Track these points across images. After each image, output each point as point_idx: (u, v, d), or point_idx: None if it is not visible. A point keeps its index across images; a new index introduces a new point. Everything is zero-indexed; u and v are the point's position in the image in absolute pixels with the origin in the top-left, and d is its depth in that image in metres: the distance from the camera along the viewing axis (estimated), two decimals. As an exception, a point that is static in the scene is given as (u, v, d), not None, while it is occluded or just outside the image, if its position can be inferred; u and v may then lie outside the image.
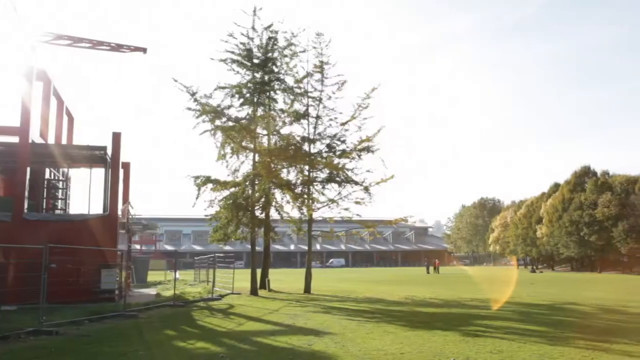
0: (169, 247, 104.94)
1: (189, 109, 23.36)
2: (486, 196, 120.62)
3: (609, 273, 59.60)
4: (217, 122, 24.21)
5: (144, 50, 32.41)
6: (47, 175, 25.32)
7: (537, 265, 79.67)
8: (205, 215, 25.14)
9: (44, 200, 24.95)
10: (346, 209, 26.09)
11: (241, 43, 24.75)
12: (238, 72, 24.93)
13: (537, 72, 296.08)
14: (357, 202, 26.15)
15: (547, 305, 18.52)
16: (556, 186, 74.30)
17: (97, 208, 23.98)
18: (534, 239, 73.84)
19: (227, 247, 32.21)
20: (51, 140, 25.64)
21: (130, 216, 26.54)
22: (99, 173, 24.10)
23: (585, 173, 69.01)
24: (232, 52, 24.64)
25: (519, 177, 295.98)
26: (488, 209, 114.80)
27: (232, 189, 23.95)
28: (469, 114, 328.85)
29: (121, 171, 22.98)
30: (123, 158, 22.56)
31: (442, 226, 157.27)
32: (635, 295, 22.87)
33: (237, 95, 24.54)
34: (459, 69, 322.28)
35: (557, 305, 18.28)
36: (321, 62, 26.21)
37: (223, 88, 24.24)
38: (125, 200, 25.78)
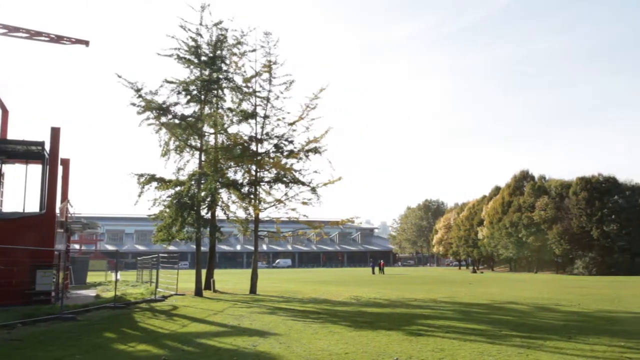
0: (110, 247, 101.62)
1: (133, 105, 22.74)
2: (430, 198, 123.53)
3: (544, 273, 62.30)
4: (163, 119, 23.69)
5: (86, 43, 31.30)
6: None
7: (478, 266, 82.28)
8: (149, 215, 24.52)
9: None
10: (293, 210, 26.08)
11: (190, 38, 24.33)
12: (188, 67, 24.49)
13: (480, 77, 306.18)
14: (304, 203, 26.17)
15: (487, 304, 19.13)
16: (497, 189, 76.94)
17: (33, 206, 22.96)
18: (475, 241, 76.18)
19: (172, 247, 31.55)
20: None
21: (69, 215, 25.54)
22: (36, 169, 23.05)
23: (524, 177, 71.88)
24: (180, 49, 24.18)
25: (463, 180, 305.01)
26: (432, 210, 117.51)
27: (177, 188, 23.47)
28: (415, 117, 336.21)
29: (60, 168, 22.06)
30: (62, 154, 21.66)
31: (387, 227, 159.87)
32: (567, 294, 23.97)
33: (184, 93, 24.05)
34: (405, 72, 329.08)
35: (496, 305, 18.91)
36: (269, 61, 26.09)
37: (170, 83, 23.70)
38: (64, 198, 24.79)
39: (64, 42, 30.64)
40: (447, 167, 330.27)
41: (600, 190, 56.79)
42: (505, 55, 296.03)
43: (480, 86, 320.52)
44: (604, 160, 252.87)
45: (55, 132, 20.53)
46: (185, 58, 24.20)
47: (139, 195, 23.19)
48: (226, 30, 24.76)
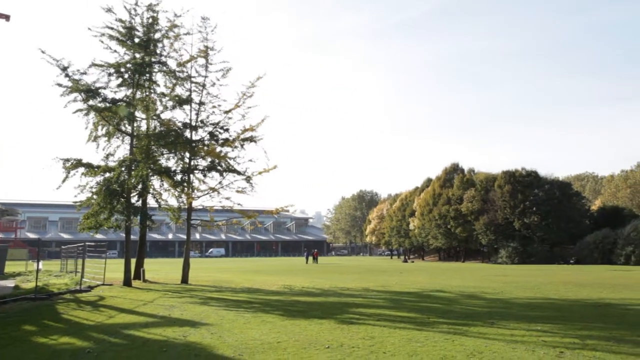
0: (31, 235, 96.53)
1: (59, 85, 21.52)
2: (365, 189, 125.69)
3: (471, 262, 65.00)
4: (92, 102, 22.62)
5: (7, 17, 29.28)
6: None
7: (409, 256, 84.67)
8: (75, 202, 23.43)
9: None
10: (227, 198, 25.76)
11: (121, 20, 23.31)
12: (116, 51, 23.45)
13: (417, 71, 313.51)
14: (238, 192, 25.92)
15: (416, 292, 19.71)
16: (428, 181, 79.17)
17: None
18: (407, 231, 78.25)
19: (99, 236, 30.36)
20: None
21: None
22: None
23: (454, 170, 74.42)
24: (111, 28, 23.13)
25: (397, 171, 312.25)
26: (366, 201, 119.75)
27: (106, 174, 22.56)
28: (352, 109, 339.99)
29: (-24, 151, 20.64)
30: (-21, 136, 20.28)
31: (322, 217, 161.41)
32: (491, 282, 25.11)
33: (115, 75, 23.06)
34: (344, 64, 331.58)
35: (425, 293, 19.52)
36: (206, 47, 25.52)
37: (99, 66, 22.63)
38: (-20, 183, 23.27)
39: (-19, 15, 28.52)
40: (382, 158, 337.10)
41: (523, 184, 59.68)
42: (442, 52, 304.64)
43: (417, 81, 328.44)
44: (529, 155, 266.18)
45: (-29, 113, 19.18)
46: (117, 38, 23.19)
47: (64, 181, 22.11)
48: (158, 12, 23.94)
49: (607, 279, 26.59)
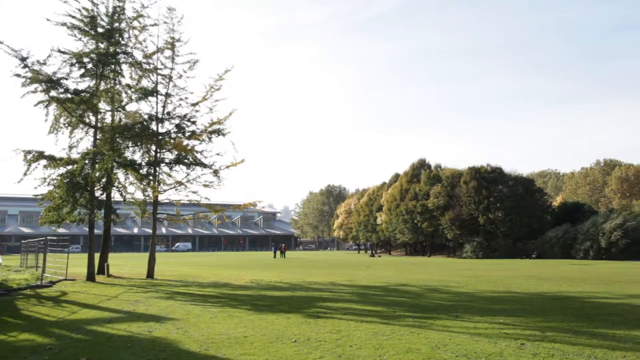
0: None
1: (18, 75, 20.80)
2: (333, 184, 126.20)
3: (437, 257, 66.02)
4: (53, 93, 21.96)
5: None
6: None
7: (376, 250, 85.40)
8: (36, 195, 22.79)
9: None
10: (194, 192, 25.45)
11: (84, 8, 22.69)
12: (80, 40, 22.83)
13: (382, 67, 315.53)
14: (205, 186, 25.66)
15: (383, 286, 19.91)
16: (396, 176, 79.87)
17: None
18: (374, 226, 78.86)
19: (61, 230, 29.57)
20: None
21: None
22: None
23: (421, 165, 75.26)
24: (73, 17, 22.49)
25: (365, 166, 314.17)
26: (334, 196, 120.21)
27: (69, 167, 22.00)
28: (320, 103, 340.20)
29: None
30: None
31: (290, 212, 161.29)
32: (456, 276, 25.57)
33: (77, 65, 22.43)
34: (311, 58, 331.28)
35: (391, 287, 19.74)
36: (172, 38, 25.10)
37: (62, 53, 21.95)
38: None
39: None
40: (350, 153, 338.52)
41: (488, 180, 60.86)
42: (408, 47, 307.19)
43: (383, 76, 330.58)
44: (494, 150, 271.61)
45: None
46: (79, 28, 22.57)
47: (25, 174, 21.50)
48: (126, 1, 23.40)
49: (566, 273, 27.41)
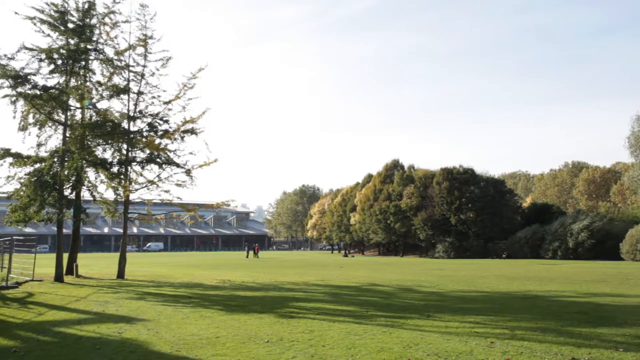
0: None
1: (-17, 70, 20.30)
2: (307, 184, 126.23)
3: (409, 257, 66.60)
4: (20, 89, 21.46)
5: None
6: None
7: (350, 250, 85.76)
8: (1, 193, 22.24)
9: None
10: (166, 192, 25.09)
11: (53, 3, 22.22)
12: (49, 35, 22.34)
13: (357, 67, 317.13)
14: (178, 185, 25.34)
15: (356, 286, 19.99)
16: (370, 177, 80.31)
17: None
18: (347, 226, 79.14)
19: (28, 230, 28.88)
20: None
21: None
22: None
23: (395, 166, 75.82)
24: (42, 11, 22.01)
25: (339, 166, 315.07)
26: (308, 196, 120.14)
27: (37, 165, 21.52)
28: (293, 103, 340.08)
29: None
30: None
31: (263, 211, 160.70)
32: (428, 276, 25.84)
33: (46, 61, 21.97)
34: (286, 57, 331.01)
35: (364, 287, 19.84)
36: (145, 35, 24.73)
37: (30, 49, 21.47)
38: None
39: None
40: (324, 153, 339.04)
41: (460, 181, 61.64)
42: (383, 48, 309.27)
43: (358, 76, 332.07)
44: (466, 151, 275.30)
45: None
46: (49, 23, 22.09)
47: (-10, 172, 20.96)
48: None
49: (535, 273, 27.95)
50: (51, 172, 21.08)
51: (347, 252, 78.39)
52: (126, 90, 24.64)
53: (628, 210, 61.02)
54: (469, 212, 58.56)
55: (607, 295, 16.18)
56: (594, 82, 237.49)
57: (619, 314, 12.08)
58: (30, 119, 23.12)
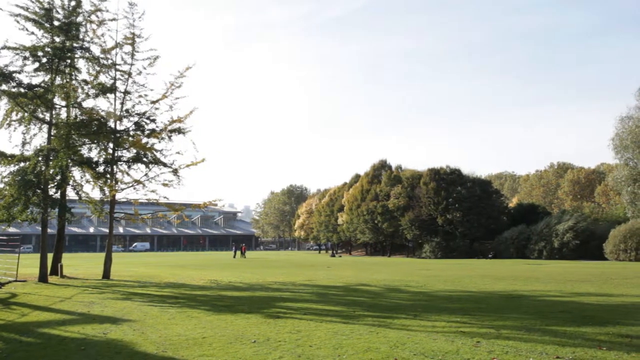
0: None
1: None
2: (295, 184, 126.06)
3: (396, 257, 66.78)
4: (4, 87, 21.19)
5: None
6: None
7: (337, 250, 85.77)
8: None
9: None
10: (153, 191, 24.91)
11: (38, 0, 21.97)
12: (33, 33, 22.09)
13: (345, 67, 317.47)
14: (165, 185, 25.18)
15: (343, 286, 20.01)
16: (357, 177, 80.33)
17: None
18: (335, 226, 79.12)
19: (12, 229, 28.52)
20: None
21: None
22: None
23: (382, 166, 75.91)
24: (27, 9, 21.75)
25: (327, 166, 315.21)
26: (295, 196, 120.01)
27: (21, 164, 21.27)
28: (282, 103, 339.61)
29: None
30: None
31: (251, 211, 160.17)
32: (415, 276, 25.93)
33: (31, 59, 21.72)
34: (275, 58, 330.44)
35: (351, 287, 19.87)
36: (133, 33, 24.54)
37: (13, 49, 21.20)
38: None
39: None
40: (312, 153, 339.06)
41: (447, 181, 61.94)
42: (371, 49, 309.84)
43: (346, 77, 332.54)
44: (452, 152, 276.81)
45: None
46: (34, 20, 21.84)
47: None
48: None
49: (520, 272, 28.17)
50: (35, 171, 20.85)
51: (334, 252, 78.39)
52: (112, 89, 24.43)
53: (612, 211, 61.80)
54: (455, 213, 58.85)
55: (591, 294, 16.36)
56: (580, 83, 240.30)
57: (602, 313, 12.22)
58: (14, 117, 22.85)
